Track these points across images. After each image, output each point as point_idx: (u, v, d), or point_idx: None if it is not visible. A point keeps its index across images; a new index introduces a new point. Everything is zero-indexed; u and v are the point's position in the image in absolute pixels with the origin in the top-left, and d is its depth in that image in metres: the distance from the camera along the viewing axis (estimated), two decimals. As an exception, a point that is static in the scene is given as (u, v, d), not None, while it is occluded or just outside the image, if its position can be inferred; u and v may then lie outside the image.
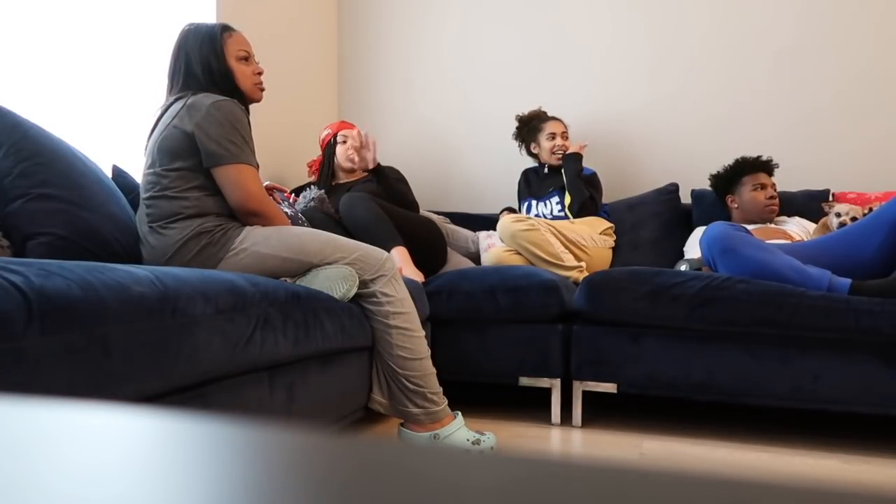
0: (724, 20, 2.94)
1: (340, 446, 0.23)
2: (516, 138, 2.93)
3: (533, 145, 2.87)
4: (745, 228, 2.06)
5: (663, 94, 3.02)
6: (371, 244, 1.75)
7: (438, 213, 2.95)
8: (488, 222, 2.96)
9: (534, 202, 2.82)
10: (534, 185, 2.88)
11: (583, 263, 2.44)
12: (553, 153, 2.80)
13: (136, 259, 1.61)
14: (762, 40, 2.90)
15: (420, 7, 3.36)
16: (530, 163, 2.99)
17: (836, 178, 2.77)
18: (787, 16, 2.87)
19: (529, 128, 2.88)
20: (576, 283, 2.30)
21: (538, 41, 3.18)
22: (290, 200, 2.52)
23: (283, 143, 2.99)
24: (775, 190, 2.54)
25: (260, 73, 1.76)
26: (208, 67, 1.68)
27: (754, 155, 2.84)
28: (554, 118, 2.84)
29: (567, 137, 2.81)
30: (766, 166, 2.57)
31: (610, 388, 2.04)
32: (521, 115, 2.92)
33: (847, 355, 1.83)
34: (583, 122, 3.06)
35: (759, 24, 2.90)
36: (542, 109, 2.92)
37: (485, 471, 0.21)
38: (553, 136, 2.80)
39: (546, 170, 2.84)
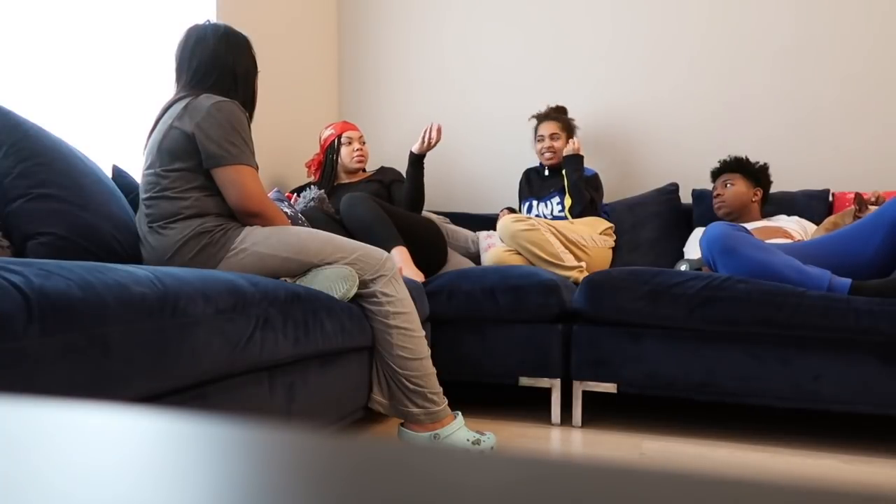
0: (725, 20, 2.94)
1: (340, 446, 0.23)
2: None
3: (534, 145, 2.88)
4: (745, 228, 2.06)
5: (664, 94, 3.02)
6: (371, 244, 1.75)
7: (438, 213, 2.96)
8: (488, 222, 2.96)
9: (534, 202, 2.82)
10: (535, 185, 2.88)
11: (583, 263, 2.44)
12: (542, 154, 2.80)
13: (136, 259, 1.61)
14: (762, 40, 2.90)
15: (420, 7, 3.36)
16: (531, 163, 2.99)
17: (835, 177, 2.77)
18: (788, 15, 2.87)
19: (534, 127, 2.88)
20: (576, 283, 2.30)
21: (539, 41, 3.18)
22: (290, 200, 2.53)
23: (283, 143, 2.99)
24: (725, 188, 2.55)
25: None
26: (244, 73, 1.73)
27: (753, 155, 2.85)
28: (548, 118, 2.83)
29: (557, 139, 2.78)
30: (716, 171, 2.63)
31: (610, 388, 2.04)
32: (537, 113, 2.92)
33: (847, 355, 1.83)
34: (583, 122, 3.06)
35: (759, 24, 2.90)
36: (550, 107, 2.90)
37: (485, 471, 0.21)
38: (542, 139, 2.80)
39: (547, 170, 2.84)
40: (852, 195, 2.56)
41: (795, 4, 2.86)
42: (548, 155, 2.78)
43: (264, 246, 1.57)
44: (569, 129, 2.81)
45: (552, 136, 2.78)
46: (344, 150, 2.74)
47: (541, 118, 2.84)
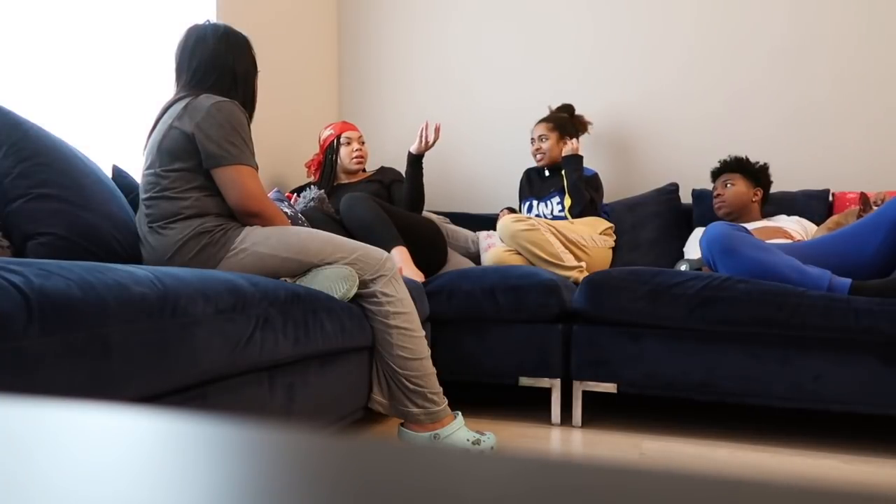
0: (725, 19, 2.94)
1: (340, 446, 0.23)
2: None
3: None
4: (745, 228, 2.06)
5: (664, 93, 3.02)
6: (371, 244, 1.75)
7: (438, 213, 2.96)
8: (488, 222, 2.96)
9: (535, 202, 2.82)
10: (535, 185, 2.88)
11: (583, 263, 2.44)
12: (534, 156, 2.82)
13: (136, 259, 1.61)
14: (762, 39, 2.90)
15: (420, 6, 3.36)
16: (531, 163, 3.00)
17: (835, 177, 2.77)
18: (787, 15, 2.87)
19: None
20: (576, 283, 2.30)
21: (539, 41, 3.18)
22: (290, 200, 2.53)
23: (283, 143, 2.99)
24: (725, 188, 2.56)
25: None
26: (244, 73, 1.73)
27: (753, 154, 2.85)
28: (542, 120, 2.83)
29: (545, 140, 2.78)
30: (716, 171, 2.64)
31: (610, 388, 2.04)
32: None
33: (847, 355, 1.83)
34: (583, 122, 3.06)
35: (759, 24, 2.90)
36: (551, 108, 2.90)
37: (485, 471, 0.21)
38: (532, 140, 2.82)
39: (547, 171, 2.84)
40: (853, 195, 2.56)
41: (795, 3, 2.86)
42: (538, 156, 2.80)
43: (264, 246, 1.57)
44: (561, 129, 2.79)
45: (540, 138, 2.79)
46: (343, 151, 2.74)
47: (538, 121, 2.85)
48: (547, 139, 2.78)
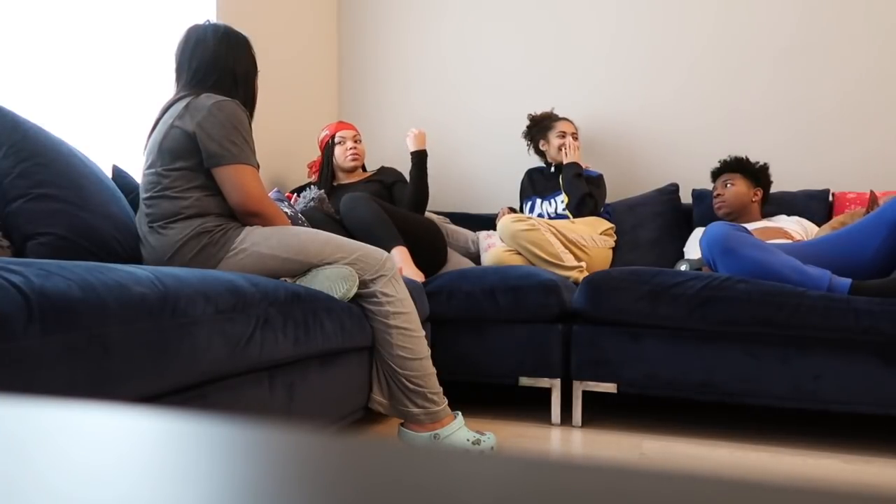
0: (725, 21, 2.94)
1: (340, 446, 0.23)
2: (525, 136, 2.94)
3: (542, 142, 2.88)
4: (745, 228, 2.06)
5: (664, 94, 3.02)
6: (371, 244, 1.75)
7: (438, 213, 2.96)
8: (488, 222, 2.96)
9: (538, 201, 2.83)
10: (538, 184, 2.89)
11: (583, 263, 2.45)
12: (559, 150, 2.82)
13: (136, 259, 1.61)
14: (763, 42, 2.90)
15: (420, 7, 3.36)
16: (531, 163, 3.00)
17: (835, 178, 2.77)
18: (788, 17, 2.87)
19: (540, 126, 2.89)
20: (576, 283, 2.30)
21: (539, 41, 3.18)
22: (290, 200, 2.53)
23: (283, 143, 2.99)
24: (725, 188, 2.56)
25: None
26: (244, 73, 1.73)
27: (753, 155, 2.85)
28: (565, 119, 2.86)
29: (577, 138, 2.82)
30: (716, 171, 2.63)
31: (610, 388, 2.04)
32: (533, 114, 2.94)
33: (847, 355, 1.83)
34: (584, 123, 3.06)
35: (759, 26, 2.90)
36: (554, 111, 2.93)
37: (485, 471, 0.21)
38: (563, 135, 2.82)
39: (552, 169, 2.85)
40: (853, 195, 2.56)
41: (795, 7, 2.86)
42: (565, 152, 2.80)
43: (264, 246, 1.57)
44: None
45: (573, 135, 2.81)
46: (338, 150, 2.75)
47: (555, 118, 2.86)
48: (577, 138, 2.82)
